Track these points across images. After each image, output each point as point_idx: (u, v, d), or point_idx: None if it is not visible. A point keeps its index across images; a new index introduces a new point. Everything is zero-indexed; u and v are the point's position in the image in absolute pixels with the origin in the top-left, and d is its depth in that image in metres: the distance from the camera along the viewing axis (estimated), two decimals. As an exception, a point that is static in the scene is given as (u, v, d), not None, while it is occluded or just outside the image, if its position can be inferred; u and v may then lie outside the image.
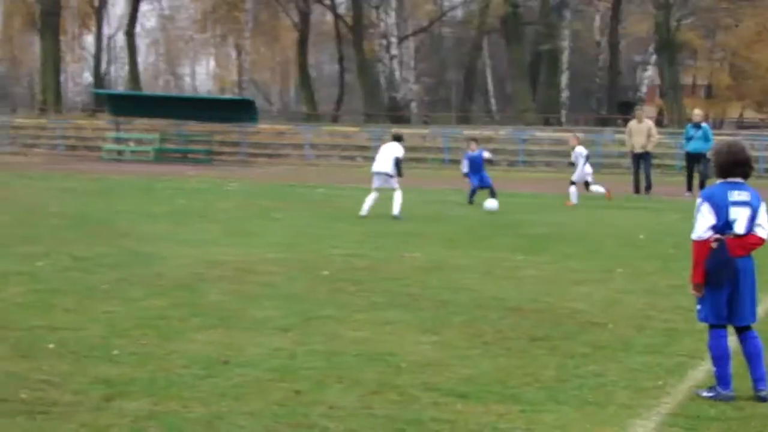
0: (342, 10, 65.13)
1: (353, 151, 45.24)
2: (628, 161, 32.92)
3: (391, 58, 53.92)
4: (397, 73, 54.26)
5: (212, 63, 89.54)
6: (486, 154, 25.15)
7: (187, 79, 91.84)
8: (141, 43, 77.17)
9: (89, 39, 75.04)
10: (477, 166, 24.75)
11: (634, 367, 8.19)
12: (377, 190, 20.63)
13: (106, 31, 72.77)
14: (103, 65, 72.38)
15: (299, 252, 14.78)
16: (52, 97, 58.22)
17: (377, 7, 54.12)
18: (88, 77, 76.09)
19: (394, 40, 54.07)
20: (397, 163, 20.56)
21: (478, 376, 7.77)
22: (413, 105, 57.13)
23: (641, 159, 29.28)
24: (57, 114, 55.67)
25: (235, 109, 46.55)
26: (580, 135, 29.31)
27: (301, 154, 46.47)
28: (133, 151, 46.97)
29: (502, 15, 55.74)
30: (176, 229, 17.68)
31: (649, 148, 29.17)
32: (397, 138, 21.38)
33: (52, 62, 58.77)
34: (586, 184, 25.60)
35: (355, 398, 7.10)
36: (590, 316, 10.24)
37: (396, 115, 53.09)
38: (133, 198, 24.45)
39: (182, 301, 10.55)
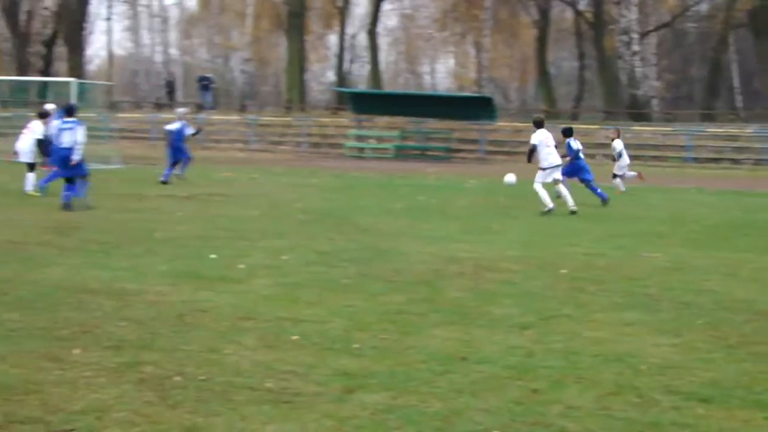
0: (582, 6, 64.38)
1: (593, 149, 44.52)
2: None
3: (632, 54, 52.90)
4: (638, 70, 53.19)
5: (451, 61, 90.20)
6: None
7: (427, 77, 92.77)
8: (382, 41, 78.45)
9: (332, 38, 76.85)
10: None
11: None
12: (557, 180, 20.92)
13: (349, 30, 74.33)
14: (346, 64, 73.95)
15: (538, 250, 14.71)
16: (297, 96, 59.95)
17: (618, 3, 53.20)
18: (331, 76, 77.97)
19: (635, 35, 53.03)
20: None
21: (721, 381, 7.55)
22: (654, 102, 55.85)
23: None
24: (301, 112, 57.26)
25: (473, 107, 46.71)
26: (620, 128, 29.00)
27: (540, 151, 46.17)
28: (374, 149, 47.80)
29: (750, 8, 53.85)
30: (415, 225, 17.90)
31: None
32: (538, 124, 21.24)
33: (297, 62, 60.49)
34: (614, 176, 26.00)
35: (592, 399, 7.02)
36: (842, 322, 9.78)
37: (636, 112, 52.06)
38: (373, 194, 24.89)
39: (421, 297, 10.68)
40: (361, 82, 78.02)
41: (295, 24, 60.78)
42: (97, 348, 8.13)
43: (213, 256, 13.33)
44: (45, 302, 9.93)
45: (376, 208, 21.04)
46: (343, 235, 16.06)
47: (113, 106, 60.36)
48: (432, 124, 49.43)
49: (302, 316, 9.54)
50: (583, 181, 23.26)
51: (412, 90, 76.99)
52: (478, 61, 70.11)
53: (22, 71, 69.34)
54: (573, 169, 23.07)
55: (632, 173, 26.72)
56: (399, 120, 49.93)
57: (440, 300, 10.57)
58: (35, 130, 23.54)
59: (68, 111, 20.60)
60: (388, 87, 74.67)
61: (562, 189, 20.90)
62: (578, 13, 64.45)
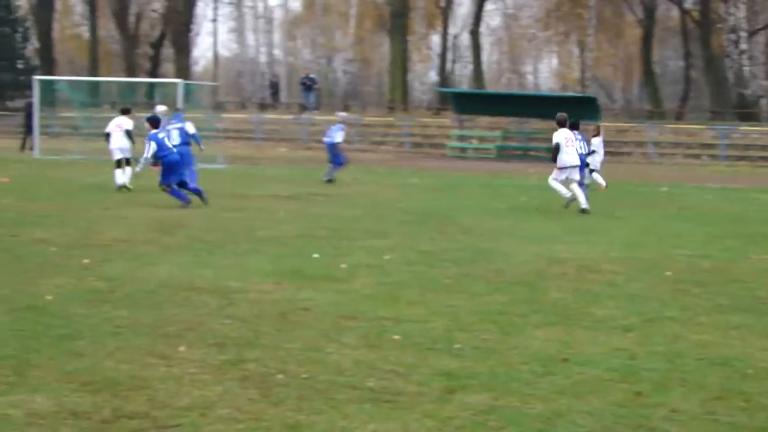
0: (689, 4, 63.38)
1: (698, 150, 43.90)
2: None
3: (740, 53, 51.87)
4: (746, 69, 52.13)
5: (555, 60, 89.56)
6: None
7: (530, 77, 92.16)
8: (485, 41, 78.17)
9: (435, 39, 76.84)
10: None
11: None
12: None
13: (452, 30, 74.25)
14: (448, 64, 73.88)
15: (641, 251, 14.55)
16: (400, 96, 60.03)
17: (726, 1, 52.26)
18: (433, 76, 77.91)
19: (743, 34, 51.98)
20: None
21: (832, 387, 7.38)
22: (763, 102, 54.67)
23: None
24: (404, 112, 57.31)
25: (577, 107, 46.04)
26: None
27: (644, 152, 45.56)
28: (476, 149, 47.67)
29: None
30: (517, 225, 17.83)
31: None
32: (560, 123, 21.07)
33: (400, 62, 60.57)
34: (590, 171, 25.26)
35: (697, 403, 6.92)
36: None
37: (744, 112, 51.09)
38: (475, 194, 24.82)
39: (523, 298, 10.64)
40: (463, 82, 77.86)
41: (398, 24, 60.85)
42: (201, 345, 8.26)
43: (315, 255, 13.43)
44: (151, 300, 10.13)
45: (478, 208, 21.01)
46: (445, 235, 16.07)
47: (218, 107, 61.13)
48: (534, 124, 49.08)
49: (404, 315, 9.57)
50: None
51: (514, 90, 76.52)
52: (581, 61, 69.46)
53: (130, 72, 70.75)
54: None
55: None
56: (501, 120, 49.68)
57: (542, 301, 10.52)
58: (125, 125, 24.40)
59: (154, 122, 20.94)
60: (491, 87, 74.32)
61: (576, 189, 20.50)
62: (684, 12, 63.45)
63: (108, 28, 75.80)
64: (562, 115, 21.41)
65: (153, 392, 6.91)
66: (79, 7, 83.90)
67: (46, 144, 38.16)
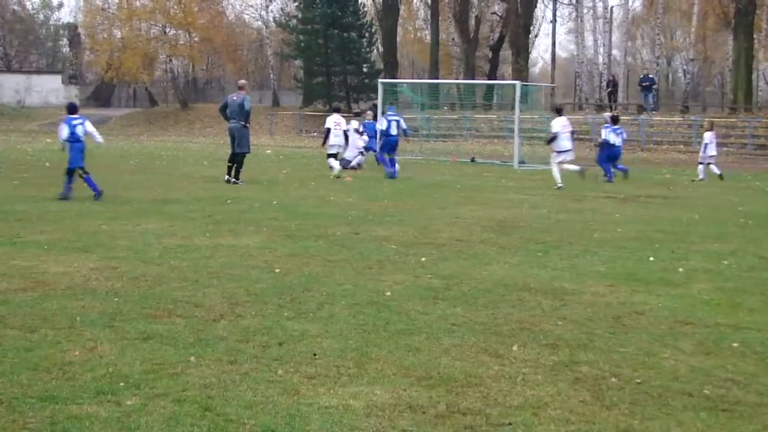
0: None
1: None
2: None
3: None
4: None
5: None
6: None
7: None
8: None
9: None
10: None
11: None
12: None
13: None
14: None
15: None
16: (743, 96, 57.90)
17: None
18: (781, 75, 74.67)
19: None
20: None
21: None
22: None
23: None
24: (747, 112, 55.28)
25: None
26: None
27: None
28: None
29: None
30: None
31: None
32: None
33: (745, 61, 58.40)
34: None
35: None
36: None
37: None
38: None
39: None
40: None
41: (743, 22, 58.65)
42: (534, 345, 8.30)
43: (651, 258, 13.21)
44: (486, 298, 10.27)
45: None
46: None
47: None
48: None
49: (743, 323, 9.25)
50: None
51: None
52: None
53: (469, 74, 72.04)
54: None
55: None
56: None
57: None
58: (354, 125, 29.40)
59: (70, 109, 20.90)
60: None
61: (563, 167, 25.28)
62: None
63: (449, 31, 77.50)
64: (559, 105, 26.58)
65: (486, 390, 7.01)
66: (422, 12, 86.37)
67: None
